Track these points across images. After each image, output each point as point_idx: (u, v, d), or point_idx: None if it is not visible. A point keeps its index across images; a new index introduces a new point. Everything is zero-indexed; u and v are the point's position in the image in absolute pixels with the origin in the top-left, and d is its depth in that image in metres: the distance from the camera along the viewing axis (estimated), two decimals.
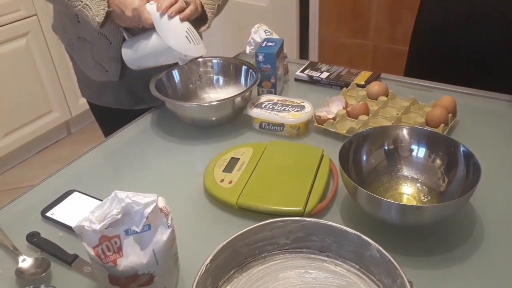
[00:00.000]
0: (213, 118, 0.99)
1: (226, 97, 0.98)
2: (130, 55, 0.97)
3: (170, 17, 0.90)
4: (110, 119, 1.12)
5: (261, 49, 1.04)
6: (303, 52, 2.41)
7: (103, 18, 0.88)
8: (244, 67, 1.07)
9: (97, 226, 0.54)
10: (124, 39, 0.99)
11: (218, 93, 1.09)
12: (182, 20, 0.91)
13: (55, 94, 2.36)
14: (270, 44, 1.06)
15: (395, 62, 2.13)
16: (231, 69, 1.09)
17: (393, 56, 2.17)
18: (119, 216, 0.54)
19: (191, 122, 1.01)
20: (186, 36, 0.91)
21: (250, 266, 0.62)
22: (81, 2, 0.89)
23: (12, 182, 2.25)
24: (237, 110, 0.99)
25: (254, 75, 1.03)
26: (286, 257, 0.63)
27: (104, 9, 0.88)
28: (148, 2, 0.90)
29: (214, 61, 1.10)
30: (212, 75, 1.10)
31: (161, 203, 0.58)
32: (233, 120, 1.01)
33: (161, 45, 0.92)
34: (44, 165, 2.36)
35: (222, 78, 1.10)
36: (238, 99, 0.96)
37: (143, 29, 0.93)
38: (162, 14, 0.89)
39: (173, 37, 0.91)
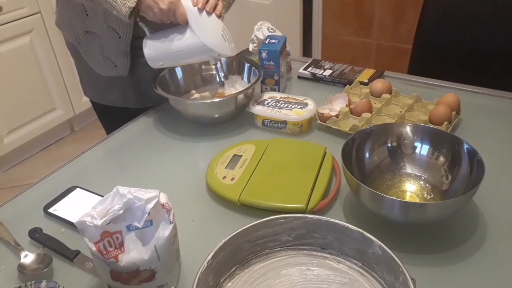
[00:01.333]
0: (216, 115, 0.99)
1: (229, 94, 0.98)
2: (155, 51, 0.92)
3: (208, 14, 0.87)
4: (114, 118, 1.10)
5: (264, 46, 1.03)
6: (306, 49, 2.40)
7: (134, 3, 0.83)
8: (247, 64, 1.07)
9: (99, 222, 0.54)
10: (132, 33, 0.96)
11: (221, 90, 1.09)
12: (218, 16, 0.89)
13: (59, 92, 2.36)
14: (273, 41, 1.06)
15: (399, 61, 2.12)
16: (234, 66, 1.09)
17: (397, 54, 2.16)
18: (121, 211, 0.54)
19: (194, 119, 1.01)
20: (222, 35, 0.89)
21: (252, 263, 0.62)
22: None
23: (15, 179, 2.25)
24: (240, 107, 0.99)
25: (257, 72, 1.03)
26: (288, 254, 0.63)
27: None
28: None
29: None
30: (214, 73, 1.10)
31: (163, 198, 0.57)
32: (236, 117, 1.01)
33: (195, 43, 0.88)
34: (47, 162, 2.36)
35: (225, 75, 1.10)
36: (241, 96, 0.96)
37: (164, 25, 0.90)
38: (200, 11, 0.86)
39: (210, 35, 0.88)
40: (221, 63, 1.05)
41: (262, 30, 1.15)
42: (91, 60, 1.07)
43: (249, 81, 1.06)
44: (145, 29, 0.93)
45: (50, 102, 2.35)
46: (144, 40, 0.93)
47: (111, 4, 0.86)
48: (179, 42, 0.90)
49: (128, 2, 0.84)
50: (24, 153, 2.38)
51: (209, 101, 1.00)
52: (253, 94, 1.01)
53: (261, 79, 1.00)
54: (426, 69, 1.26)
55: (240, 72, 1.08)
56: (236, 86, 1.08)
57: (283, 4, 2.29)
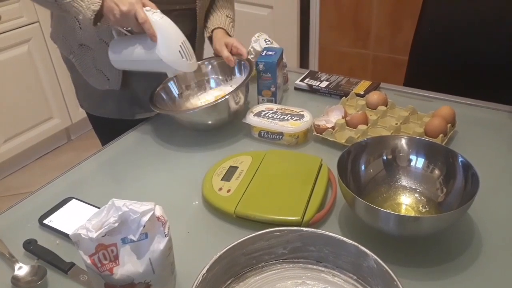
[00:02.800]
0: (210, 122, 0.99)
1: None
2: (117, 56, 0.94)
3: (167, 29, 0.88)
4: (109, 130, 1.10)
5: (261, 58, 1.04)
6: (304, 61, 2.42)
7: (98, 6, 0.84)
8: (236, 61, 1.06)
9: (94, 234, 0.54)
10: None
11: (214, 95, 1.09)
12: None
13: (56, 100, 2.37)
14: (270, 53, 1.06)
15: (395, 72, 2.14)
16: (225, 66, 1.08)
17: (393, 66, 2.18)
18: (116, 224, 0.54)
19: (191, 126, 1.01)
20: (179, 51, 0.90)
21: (247, 276, 0.62)
22: None
23: (11, 188, 2.25)
24: (235, 110, 0.98)
25: (247, 66, 1.03)
26: (284, 267, 0.63)
27: None
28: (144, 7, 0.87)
29: (206, 63, 1.10)
30: (206, 77, 1.10)
31: (158, 211, 0.57)
32: (232, 127, 1.01)
33: (152, 55, 0.89)
34: (44, 171, 2.36)
35: (215, 78, 1.10)
36: (233, 98, 0.96)
37: (132, 32, 0.91)
38: (159, 23, 0.87)
39: (166, 50, 0.89)
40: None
41: (259, 42, 1.16)
42: (85, 73, 1.07)
43: (241, 74, 1.06)
44: (114, 33, 0.94)
45: (47, 111, 2.35)
46: (111, 43, 0.95)
47: (77, 9, 0.86)
48: (139, 52, 0.91)
49: (92, 5, 0.85)
50: (20, 161, 2.37)
51: (205, 106, 1.00)
52: (249, 106, 1.01)
53: (252, 73, 1.00)
54: (422, 81, 1.27)
55: (232, 71, 1.08)
56: (233, 87, 1.08)
57: (280, 15, 2.30)
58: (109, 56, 0.95)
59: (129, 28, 0.90)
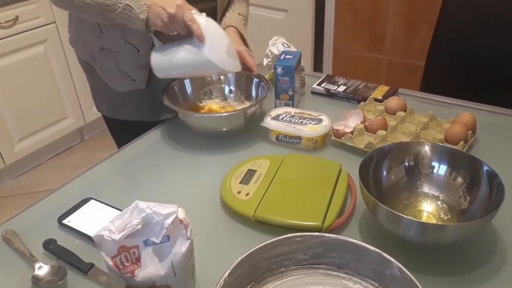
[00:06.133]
0: (224, 129, 0.98)
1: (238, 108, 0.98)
2: (161, 63, 0.94)
3: (213, 30, 0.89)
4: (127, 132, 1.08)
5: (280, 62, 1.04)
6: (317, 64, 2.41)
7: (147, 14, 0.85)
8: (255, 80, 1.06)
9: (117, 236, 0.54)
10: (152, 46, 0.97)
11: (228, 103, 1.10)
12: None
13: (70, 100, 2.39)
14: (288, 56, 1.06)
15: (410, 77, 2.12)
16: (242, 80, 1.09)
17: (408, 71, 2.16)
18: (139, 226, 0.54)
19: (202, 132, 1.01)
20: (226, 51, 0.90)
21: (267, 281, 0.61)
22: (121, 3, 0.86)
23: (25, 186, 2.26)
24: (247, 122, 0.98)
25: (265, 87, 1.02)
26: (304, 273, 0.62)
27: (145, 4, 0.85)
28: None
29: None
30: (223, 85, 1.10)
31: (181, 214, 0.57)
32: (249, 131, 1.01)
33: (200, 57, 0.89)
34: (57, 170, 2.37)
35: (233, 89, 1.10)
36: (248, 111, 0.96)
37: (173, 37, 0.92)
38: (206, 26, 0.87)
39: (214, 51, 0.89)
40: (225, 76, 1.08)
41: (277, 46, 1.16)
42: (106, 77, 1.07)
43: (257, 95, 1.06)
44: (155, 41, 0.94)
45: (61, 111, 2.37)
46: (152, 51, 0.95)
47: (127, 19, 0.88)
48: (185, 56, 0.91)
49: (141, 14, 0.86)
50: (34, 160, 2.39)
51: (217, 115, 1.00)
52: (265, 109, 1.01)
53: (269, 94, 1.00)
54: (439, 86, 1.26)
55: (248, 86, 1.08)
56: (243, 99, 1.08)
57: (295, 19, 2.30)
58: (151, 64, 0.94)
59: (175, 33, 0.90)
